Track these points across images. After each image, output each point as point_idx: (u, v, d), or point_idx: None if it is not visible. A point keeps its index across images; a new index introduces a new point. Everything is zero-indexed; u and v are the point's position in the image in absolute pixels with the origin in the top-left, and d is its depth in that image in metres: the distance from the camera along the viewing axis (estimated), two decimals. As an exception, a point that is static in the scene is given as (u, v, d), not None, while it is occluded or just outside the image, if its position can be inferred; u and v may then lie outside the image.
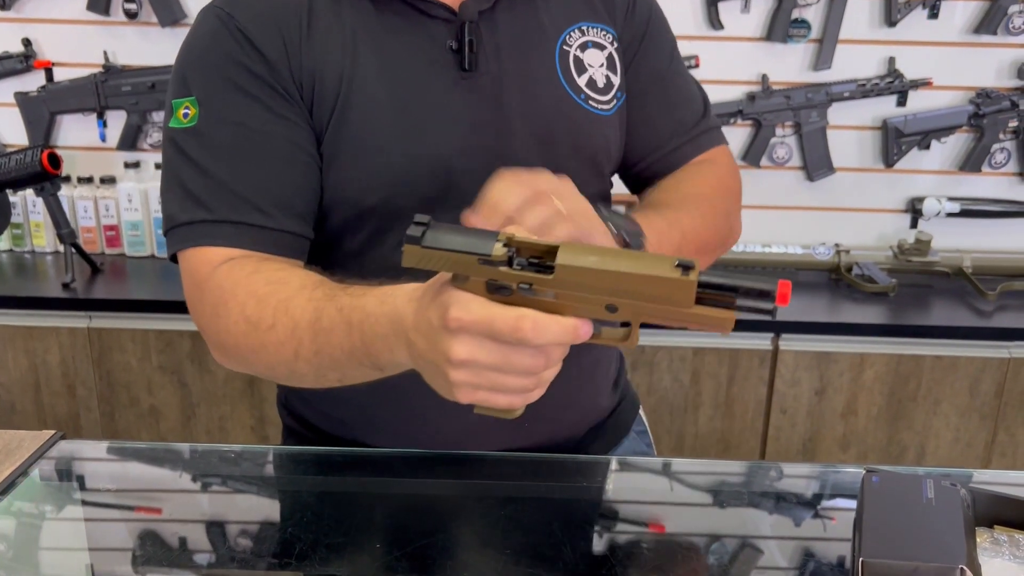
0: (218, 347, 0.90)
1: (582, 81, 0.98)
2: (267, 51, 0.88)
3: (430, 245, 0.63)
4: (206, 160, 0.88)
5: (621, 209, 0.89)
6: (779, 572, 0.91)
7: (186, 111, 0.89)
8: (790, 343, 1.98)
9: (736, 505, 1.01)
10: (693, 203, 0.97)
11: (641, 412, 1.22)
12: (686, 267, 0.59)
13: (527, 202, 0.72)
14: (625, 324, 0.66)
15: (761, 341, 1.99)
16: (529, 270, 0.62)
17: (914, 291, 2.14)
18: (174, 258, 0.92)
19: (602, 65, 0.99)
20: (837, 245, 2.21)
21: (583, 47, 0.98)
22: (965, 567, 0.71)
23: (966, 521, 0.77)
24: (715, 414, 2.05)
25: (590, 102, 0.98)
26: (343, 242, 0.96)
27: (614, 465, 1.08)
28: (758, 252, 2.19)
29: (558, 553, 0.91)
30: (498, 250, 0.61)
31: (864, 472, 0.86)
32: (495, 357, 0.64)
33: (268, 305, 0.81)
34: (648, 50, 1.03)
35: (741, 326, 1.97)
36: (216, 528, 0.97)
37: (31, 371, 2.05)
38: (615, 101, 1.00)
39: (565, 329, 0.63)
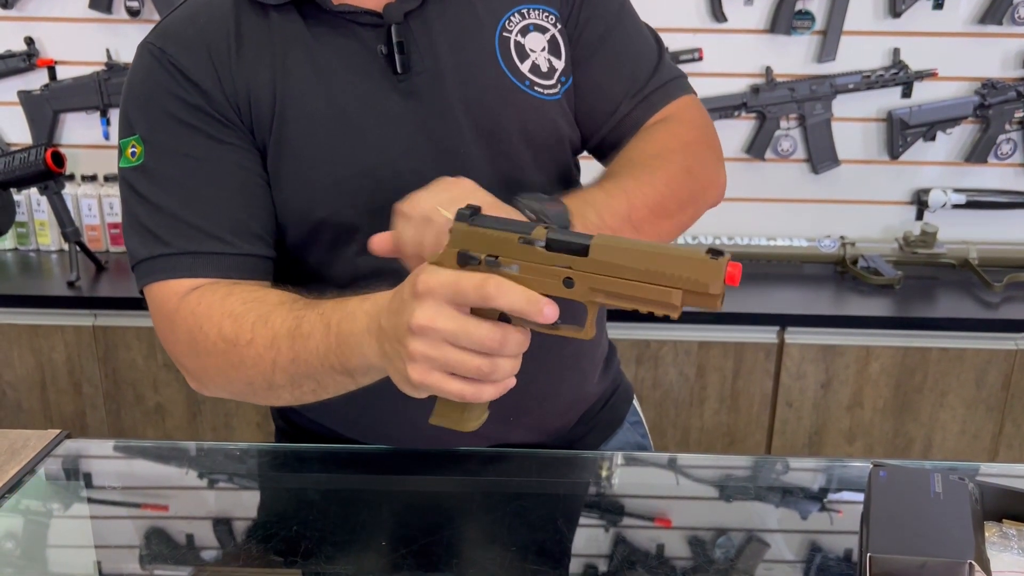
0: (194, 375, 0.91)
1: (525, 67, 0.96)
2: (200, 80, 0.89)
3: (478, 224, 0.70)
4: (157, 195, 0.89)
5: (543, 195, 0.86)
6: (786, 566, 0.91)
7: (133, 149, 0.90)
8: (795, 336, 1.98)
9: (742, 499, 1.01)
10: (640, 166, 0.92)
11: (635, 403, 1.22)
12: (716, 253, 0.64)
13: (416, 233, 0.80)
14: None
15: (766, 334, 1.99)
16: (565, 252, 0.67)
17: (920, 283, 2.13)
18: (142, 293, 0.93)
19: (544, 49, 0.96)
20: (842, 238, 2.20)
21: (524, 31, 0.96)
22: (974, 562, 0.71)
23: (974, 515, 0.77)
24: (720, 408, 2.05)
25: (535, 88, 0.96)
26: (304, 256, 0.96)
27: (619, 460, 1.08)
28: (763, 245, 2.18)
29: (562, 548, 0.91)
30: (538, 232, 0.68)
31: (871, 466, 0.86)
32: (453, 324, 0.67)
33: (246, 321, 0.83)
34: (588, 17, 0.99)
35: (746, 320, 1.98)
36: (222, 525, 0.97)
37: (37, 369, 2.06)
38: (560, 86, 0.98)
39: (529, 297, 0.67)
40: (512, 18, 0.96)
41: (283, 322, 0.81)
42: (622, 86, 1.00)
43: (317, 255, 0.95)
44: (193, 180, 0.89)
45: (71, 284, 2.03)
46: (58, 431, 1.02)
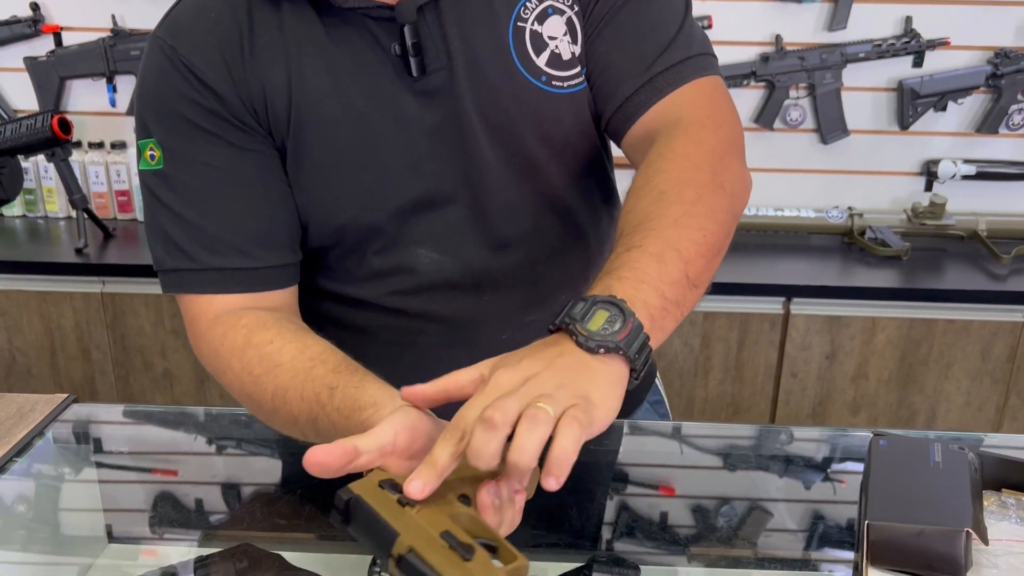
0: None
1: (542, 60, 0.90)
2: (215, 84, 0.86)
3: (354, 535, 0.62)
4: (178, 205, 0.87)
5: (596, 299, 0.70)
6: (788, 534, 0.92)
7: (152, 153, 0.88)
8: (801, 307, 1.98)
9: (745, 468, 1.01)
10: (676, 204, 0.78)
11: (657, 381, 1.20)
12: None
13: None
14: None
15: (772, 305, 1.99)
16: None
17: (927, 255, 2.13)
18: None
19: (565, 34, 0.90)
20: (850, 209, 2.19)
21: (542, 17, 0.90)
22: (971, 530, 0.71)
23: (973, 484, 0.77)
24: (725, 378, 2.05)
25: (553, 83, 0.90)
26: (327, 253, 0.95)
27: (625, 429, 1.09)
28: (771, 216, 2.17)
29: (566, 514, 0.91)
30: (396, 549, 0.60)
31: (872, 436, 0.86)
32: None
33: (266, 390, 0.81)
34: None
35: (752, 290, 1.98)
36: (230, 490, 0.98)
37: (46, 335, 2.07)
38: (582, 78, 0.91)
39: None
40: (528, 4, 0.90)
41: (299, 410, 0.78)
42: (627, 65, 0.90)
43: (338, 253, 0.95)
44: (214, 191, 0.87)
45: (79, 251, 2.04)
46: (66, 395, 1.03)
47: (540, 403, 0.59)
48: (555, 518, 0.90)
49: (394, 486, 0.62)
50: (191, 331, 0.90)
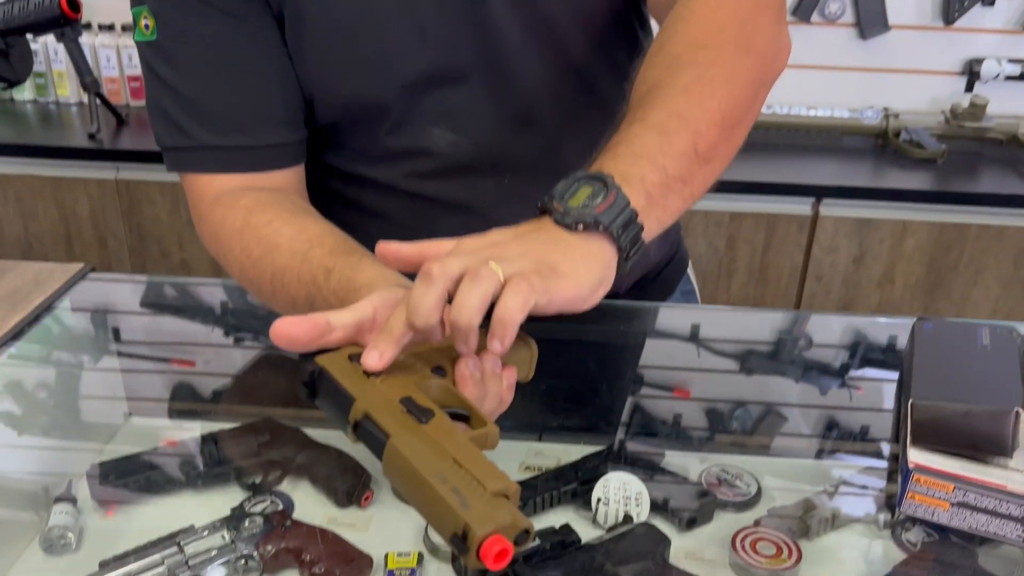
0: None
1: None
2: None
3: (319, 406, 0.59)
4: (173, 78, 0.83)
5: (580, 175, 0.65)
6: (803, 439, 0.90)
7: (145, 22, 0.83)
8: (831, 208, 1.93)
9: (762, 373, 0.99)
10: (689, 69, 0.71)
11: (690, 271, 1.16)
12: (459, 547, 0.50)
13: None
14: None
15: (801, 206, 1.93)
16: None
17: (964, 158, 2.06)
18: None
19: None
20: (886, 109, 2.11)
21: None
22: (1021, 409, 0.69)
23: (1023, 365, 0.75)
24: (749, 281, 2.02)
25: None
26: (337, 131, 0.90)
27: (649, 314, 1.06)
28: (803, 115, 2.10)
29: (588, 399, 0.90)
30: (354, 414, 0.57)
31: (916, 319, 0.83)
32: None
33: (265, 273, 0.78)
34: None
35: (781, 190, 1.93)
36: (251, 366, 0.97)
37: (62, 222, 2.05)
38: None
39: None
40: None
41: (297, 291, 0.76)
42: None
43: (348, 132, 0.90)
44: (210, 64, 0.83)
45: (92, 136, 2.00)
46: (82, 264, 1.01)
47: (490, 264, 0.55)
48: (577, 403, 0.88)
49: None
50: (194, 214, 0.87)
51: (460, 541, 0.48)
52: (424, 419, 0.54)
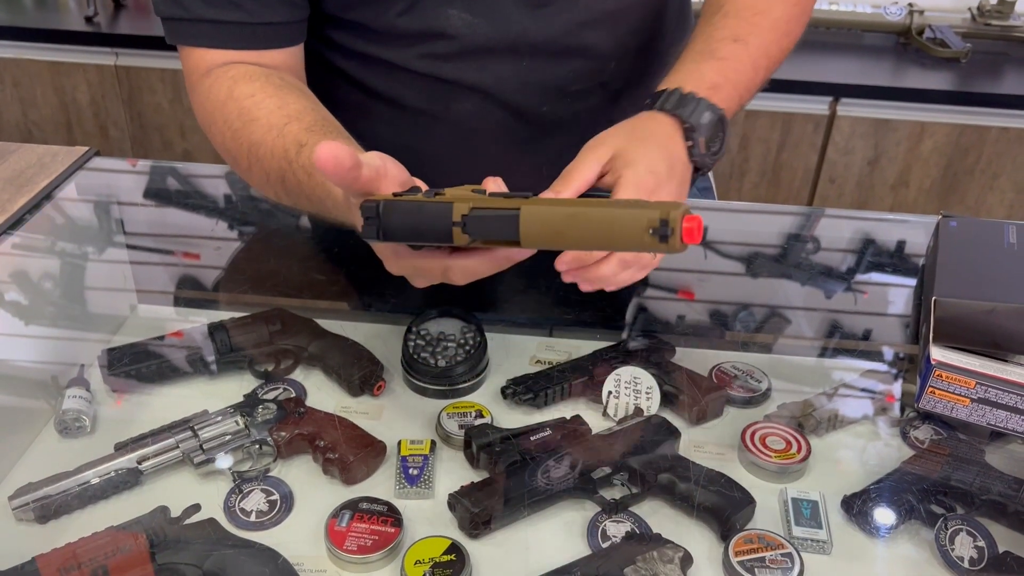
0: None
1: None
2: None
3: (392, 238, 0.59)
4: None
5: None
6: (805, 342, 0.90)
7: None
8: (848, 108, 1.88)
9: (767, 276, 0.98)
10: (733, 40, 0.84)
11: None
12: (662, 235, 0.51)
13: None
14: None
15: (818, 105, 1.88)
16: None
17: (989, 58, 1.99)
18: None
19: None
20: (911, 5, 2.03)
21: None
22: (1046, 309, 0.68)
23: (1050, 265, 0.73)
24: (761, 181, 1.99)
25: None
26: (346, 8, 0.87)
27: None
28: (824, 10, 2.02)
29: (599, 296, 0.89)
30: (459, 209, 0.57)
31: (940, 217, 0.81)
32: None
33: (242, 145, 0.78)
34: None
35: (798, 88, 1.87)
36: (263, 256, 0.96)
37: (62, 110, 2.01)
38: None
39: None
40: None
41: (270, 165, 0.75)
42: None
43: (358, 10, 0.87)
44: None
45: (89, 19, 1.93)
46: (87, 148, 0.98)
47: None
48: (587, 298, 0.88)
49: (411, 190, 0.59)
50: (187, 85, 0.86)
51: (663, 228, 0.49)
52: (525, 196, 0.55)
